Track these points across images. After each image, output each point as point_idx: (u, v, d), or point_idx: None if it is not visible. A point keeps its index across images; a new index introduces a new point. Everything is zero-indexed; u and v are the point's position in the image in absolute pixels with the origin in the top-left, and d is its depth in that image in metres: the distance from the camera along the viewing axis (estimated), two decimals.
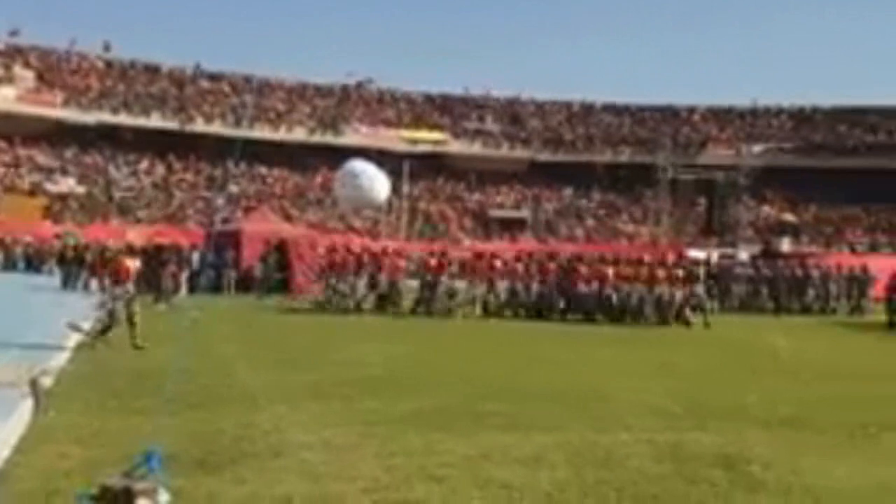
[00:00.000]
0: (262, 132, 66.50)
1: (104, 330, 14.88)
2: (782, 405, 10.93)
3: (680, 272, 24.89)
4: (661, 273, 24.44)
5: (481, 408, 10.08)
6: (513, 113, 78.82)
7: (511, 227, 67.25)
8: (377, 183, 26.84)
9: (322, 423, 8.96)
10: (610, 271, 24.68)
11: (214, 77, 72.88)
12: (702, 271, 27.39)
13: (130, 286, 15.26)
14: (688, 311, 24.00)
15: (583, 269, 24.96)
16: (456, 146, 73.72)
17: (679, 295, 24.22)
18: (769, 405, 10.88)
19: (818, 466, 7.75)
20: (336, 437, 8.37)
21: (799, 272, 32.44)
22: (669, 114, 79.58)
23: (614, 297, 24.38)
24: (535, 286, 25.07)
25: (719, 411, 10.42)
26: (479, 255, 27.18)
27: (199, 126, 66.93)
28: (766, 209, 70.39)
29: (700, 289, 25.12)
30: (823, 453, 8.32)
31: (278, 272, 30.14)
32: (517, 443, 8.30)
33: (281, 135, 68.72)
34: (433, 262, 25.69)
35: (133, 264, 15.96)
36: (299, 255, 30.59)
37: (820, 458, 8.07)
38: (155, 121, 66.22)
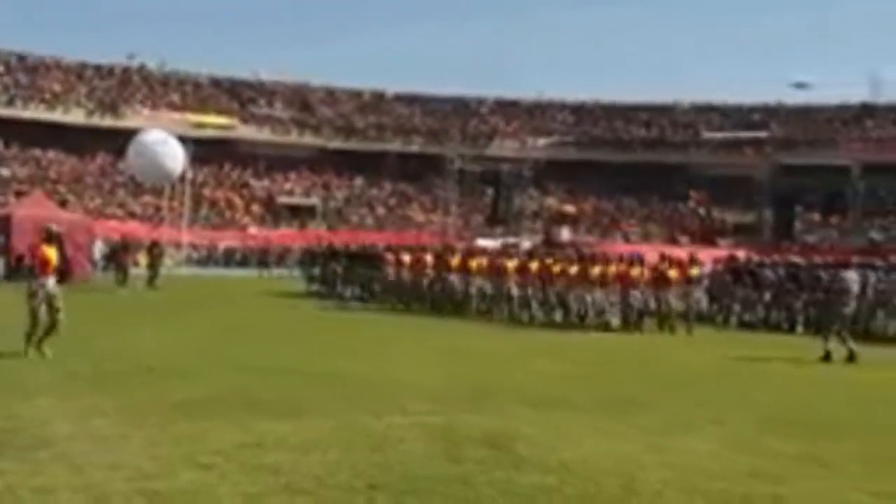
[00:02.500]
0: (36, 113, 63.31)
1: None
2: (551, 387, 11.42)
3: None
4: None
5: (258, 395, 10.00)
6: (303, 99, 78.22)
7: (300, 214, 66.81)
8: (172, 155, 25.89)
9: (90, 414, 8.68)
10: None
11: None
12: None
13: None
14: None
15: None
16: (244, 131, 72.37)
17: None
18: (540, 387, 11.34)
19: (577, 442, 8.12)
20: (103, 427, 8.12)
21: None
22: (459, 105, 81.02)
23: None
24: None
25: (494, 394, 10.73)
26: None
27: None
28: (548, 200, 72.74)
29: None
30: (584, 430, 8.72)
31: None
32: (292, 429, 8.27)
33: (57, 116, 65.58)
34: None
35: None
36: (75, 243, 29.31)
37: (580, 435, 8.46)
38: None
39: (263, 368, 12.24)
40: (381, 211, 70.22)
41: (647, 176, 72.53)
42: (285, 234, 59.64)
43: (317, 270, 32.17)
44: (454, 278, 24.10)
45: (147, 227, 51.08)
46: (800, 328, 21.14)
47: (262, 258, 49.92)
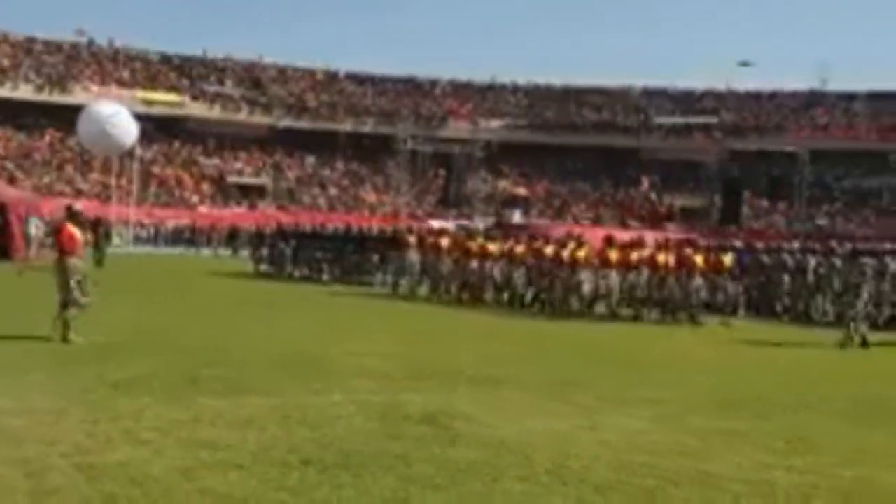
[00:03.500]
0: None
1: None
2: (492, 367, 11.57)
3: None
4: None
5: (199, 373, 10.03)
6: (254, 77, 77.62)
7: (250, 193, 66.44)
8: (123, 127, 25.59)
9: (31, 391, 8.69)
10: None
11: None
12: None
13: None
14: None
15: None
16: (194, 109, 71.72)
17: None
18: (481, 367, 11.49)
19: (515, 420, 8.28)
20: (43, 403, 8.14)
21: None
22: (412, 86, 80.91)
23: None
24: None
25: (435, 373, 10.86)
26: None
27: None
28: (501, 182, 73.01)
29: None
30: (522, 408, 8.88)
31: None
32: (230, 407, 8.33)
33: (5, 92, 64.53)
34: None
35: None
36: (19, 219, 29.00)
37: (518, 413, 8.62)
38: None
39: (206, 347, 12.27)
40: (332, 191, 70.01)
41: (599, 160, 73.12)
42: (235, 214, 59.32)
43: (266, 251, 32.08)
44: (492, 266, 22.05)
45: (95, 205, 50.50)
46: (741, 311, 21.48)
47: (211, 238, 49.68)
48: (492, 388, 10.06)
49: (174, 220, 56.65)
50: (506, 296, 22.01)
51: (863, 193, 68.10)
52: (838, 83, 78.01)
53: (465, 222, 55.00)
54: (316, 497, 5.76)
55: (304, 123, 74.10)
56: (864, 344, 15.89)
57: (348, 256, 28.64)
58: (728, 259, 20.69)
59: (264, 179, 69.01)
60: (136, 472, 6.14)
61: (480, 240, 23.77)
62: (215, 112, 72.39)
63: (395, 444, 7.14)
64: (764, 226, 63.14)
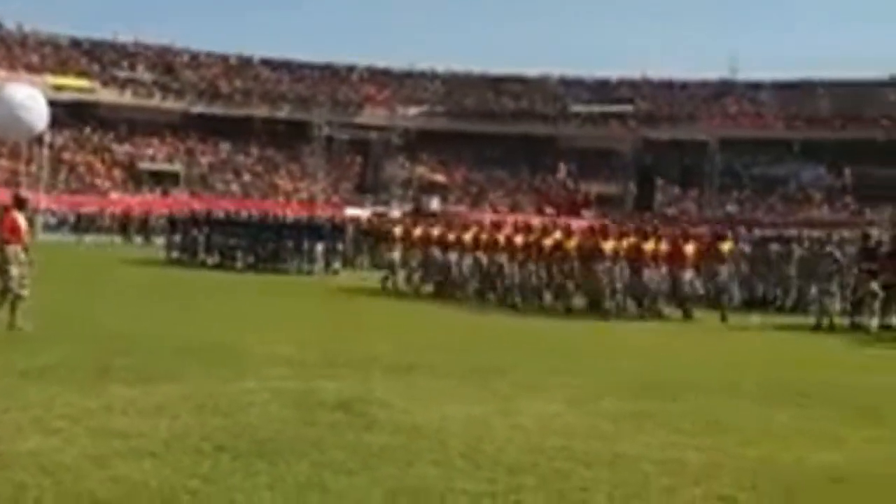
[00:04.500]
0: None
1: None
2: (407, 353, 11.61)
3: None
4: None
5: (110, 362, 9.88)
6: (166, 62, 76.23)
7: (163, 180, 65.37)
8: (38, 110, 24.87)
9: None
10: None
11: None
12: None
13: None
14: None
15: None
16: (105, 94, 70.15)
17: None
18: (396, 353, 11.51)
19: (430, 406, 8.31)
20: None
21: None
22: (328, 72, 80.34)
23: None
24: None
25: (350, 360, 10.84)
26: None
27: None
28: (418, 169, 73.01)
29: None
30: (438, 395, 8.92)
31: None
32: (142, 395, 8.23)
33: None
34: None
35: None
36: None
37: (433, 399, 8.65)
38: None
39: (117, 335, 12.07)
40: (246, 178, 69.24)
41: (517, 147, 73.60)
42: (147, 201, 58.30)
43: (178, 238, 31.61)
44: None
45: (3, 192, 49.14)
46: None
47: (123, 225, 48.81)
48: (408, 375, 10.08)
49: (85, 207, 55.42)
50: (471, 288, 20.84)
51: (770, 181, 69.77)
52: (747, 73, 79.82)
53: (381, 209, 54.96)
54: (229, 484, 5.72)
55: (217, 109, 73.07)
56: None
57: (263, 244, 28.40)
58: (726, 247, 19.58)
59: (177, 166, 67.96)
60: (47, 460, 6.04)
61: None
62: (127, 98, 70.92)
63: (309, 431, 7.13)
64: (676, 213, 64.23)
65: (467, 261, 20.67)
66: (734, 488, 6.00)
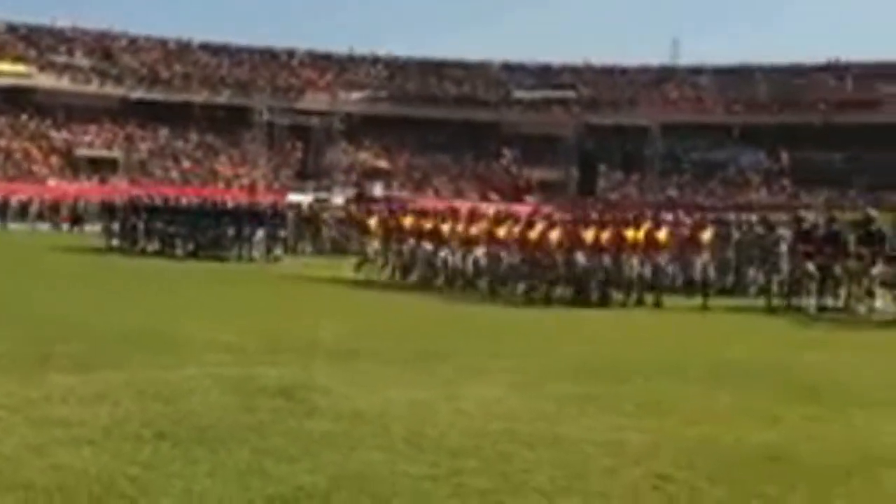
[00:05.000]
0: None
1: None
2: (350, 339, 11.57)
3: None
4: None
5: (49, 350, 9.74)
6: (104, 47, 74.96)
7: (101, 167, 64.38)
8: None
9: None
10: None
11: None
12: None
13: None
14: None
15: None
16: (42, 80, 68.80)
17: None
18: (338, 340, 11.48)
19: (373, 392, 8.29)
20: None
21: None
22: (268, 56, 79.61)
23: None
24: None
25: (292, 346, 10.79)
26: None
27: None
28: (361, 155, 72.73)
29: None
30: (381, 380, 8.90)
31: None
32: (82, 383, 8.13)
33: None
34: None
35: None
36: None
37: (376, 385, 8.63)
38: None
39: (56, 323, 11.92)
40: (186, 164, 68.44)
41: (460, 133, 73.63)
42: (85, 188, 57.39)
43: (117, 225, 31.14)
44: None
45: None
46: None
47: (61, 212, 47.99)
48: (350, 360, 10.04)
49: (22, 194, 54.36)
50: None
51: (710, 165, 70.65)
52: (687, 59, 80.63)
53: (324, 195, 54.67)
54: (170, 471, 5.66)
55: (156, 95, 72.08)
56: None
57: (203, 231, 28.11)
58: (707, 234, 19.11)
59: (116, 152, 66.95)
60: None
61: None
62: (64, 83, 69.63)
63: (250, 418, 7.07)
64: (619, 197, 64.75)
65: (445, 253, 19.88)
66: (673, 467, 6.06)
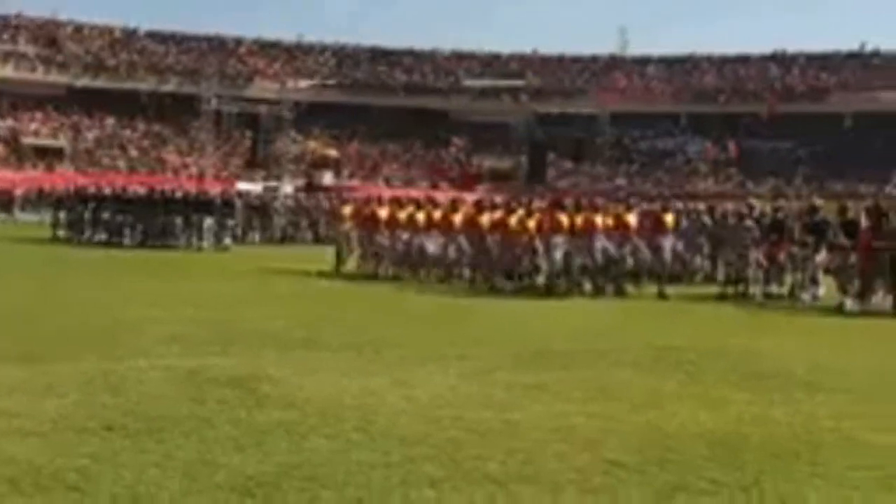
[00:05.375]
0: None
1: None
2: (300, 329, 11.54)
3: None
4: None
5: None
6: (49, 35, 73.72)
7: (47, 156, 63.41)
8: None
9: None
10: None
11: None
12: None
13: None
14: None
15: None
16: None
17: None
18: (289, 329, 11.44)
19: (322, 380, 8.30)
20: None
21: (338, 204, 34.14)
22: (216, 44, 78.84)
23: None
24: None
25: (242, 336, 10.72)
26: None
27: None
28: (310, 144, 72.29)
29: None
30: (331, 369, 8.90)
31: None
32: (29, 375, 8.05)
33: None
34: None
35: None
36: None
37: (326, 374, 8.63)
38: None
39: (2, 315, 11.73)
40: (133, 153, 67.64)
41: (410, 121, 73.50)
42: (31, 177, 56.50)
43: (63, 215, 30.71)
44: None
45: None
46: None
47: (5, 202, 47.28)
48: (301, 349, 10.05)
49: None
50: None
51: (658, 154, 71.30)
52: (637, 48, 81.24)
53: (273, 184, 54.32)
54: (118, 462, 5.62)
55: (102, 83, 71.10)
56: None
57: (152, 220, 27.84)
58: (669, 219, 18.77)
59: (62, 141, 65.99)
60: None
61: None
62: (8, 71, 68.40)
63: (199, 408, 7.04)
64: (569, 185, 65.08)
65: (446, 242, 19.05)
66: (621, 453, 6.14)
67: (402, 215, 19.99)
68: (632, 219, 18.12)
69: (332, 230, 25.53)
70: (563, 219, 17.62)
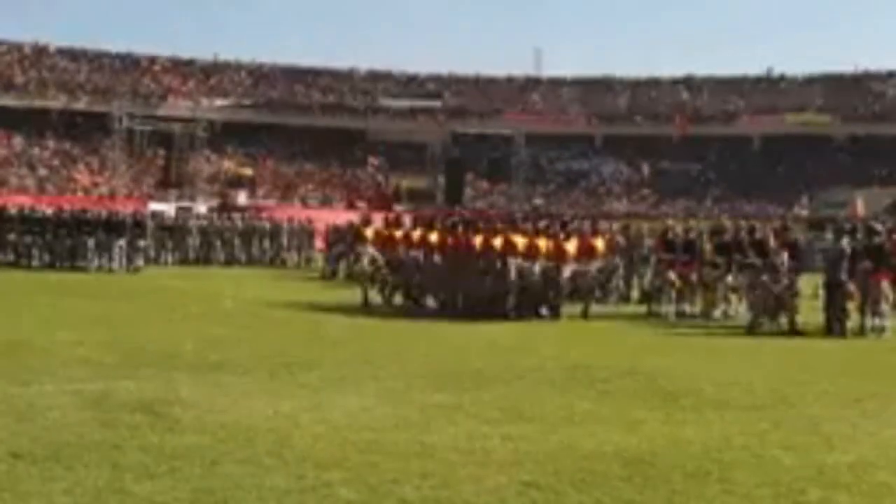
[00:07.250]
0: None
1: None
2: (212, 351, 11.37)
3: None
4: None
5: None
6: None
7: None
8: None
9: None
10: None
11: None
12: None
13: None
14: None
15: None
16: None
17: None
18: (201, 351, 11.26)
19: (236, 404, 8.20)
20: None
21: (252, 224, 34.01)
22: (129, 62, 77.64)
23: None
24: None
25: (152, 359, 10.54)
26: None
27: None
28: (225, 163, 71.53)
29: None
30: (244, 392, 8.79)
31: None
32: None
33: None
34: None
35: None
36: None
37: (240, 397, 8.53)
38: None
39: None
40: (42, 172, 66.12)
41: (327, 141, 73.20)
42: None
43: None
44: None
45: None
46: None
47: None
48: (212, 372, 9.90)
49: None
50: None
51: (573, 175, 72.21)
52: (552, 70, 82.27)
53: (187, 204, 53.57)
54: (25, 490, 5.50)
55: (10, 101, 69.28)
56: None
57: (61, 241, 27.22)
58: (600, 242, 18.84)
59: None
60: None
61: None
62: None
63: (109, 434, 6.90)
64: (486, 206, 65.45)
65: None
66: (537, 474, 6.18)
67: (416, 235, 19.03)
68: (570, 246, 17.53)
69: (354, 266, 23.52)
70: (519, 240, 17.17)
